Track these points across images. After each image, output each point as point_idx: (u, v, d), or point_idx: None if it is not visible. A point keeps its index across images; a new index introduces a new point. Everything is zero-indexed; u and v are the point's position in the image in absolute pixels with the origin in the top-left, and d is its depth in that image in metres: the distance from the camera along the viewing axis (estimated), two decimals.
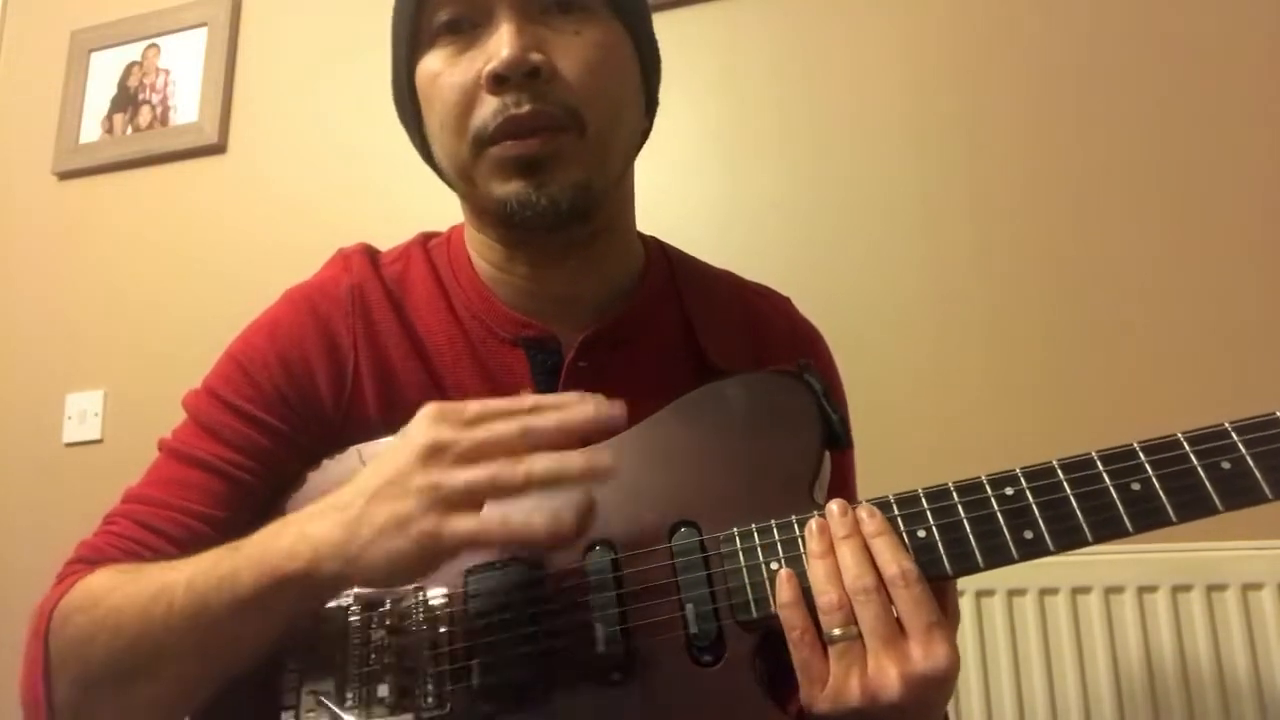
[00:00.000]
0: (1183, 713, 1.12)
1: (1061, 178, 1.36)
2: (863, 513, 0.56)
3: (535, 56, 0.62)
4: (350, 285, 0.72)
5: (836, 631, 0.53)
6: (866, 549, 0.54)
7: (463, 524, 0.50)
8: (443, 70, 0.65)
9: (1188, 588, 1.16)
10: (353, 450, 0.68)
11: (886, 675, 0.51)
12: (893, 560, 0.53)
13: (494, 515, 0.50)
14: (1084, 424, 1.26)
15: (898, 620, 0.52)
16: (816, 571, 0.55)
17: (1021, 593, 1.20)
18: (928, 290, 1.38)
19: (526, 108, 0.62)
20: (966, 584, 1.20)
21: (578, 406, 0.52)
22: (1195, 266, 1.28)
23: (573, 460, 0.51)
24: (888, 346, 1.36)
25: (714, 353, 0.73)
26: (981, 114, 1.41)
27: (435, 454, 0.51)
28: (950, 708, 0.60)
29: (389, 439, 0.66)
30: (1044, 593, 1.19)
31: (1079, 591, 1.18)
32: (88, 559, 0.64)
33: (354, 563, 0.52)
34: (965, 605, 1.20)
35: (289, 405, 0.69)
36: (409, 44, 0.68)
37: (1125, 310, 1.30)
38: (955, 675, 0.51)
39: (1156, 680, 1.14)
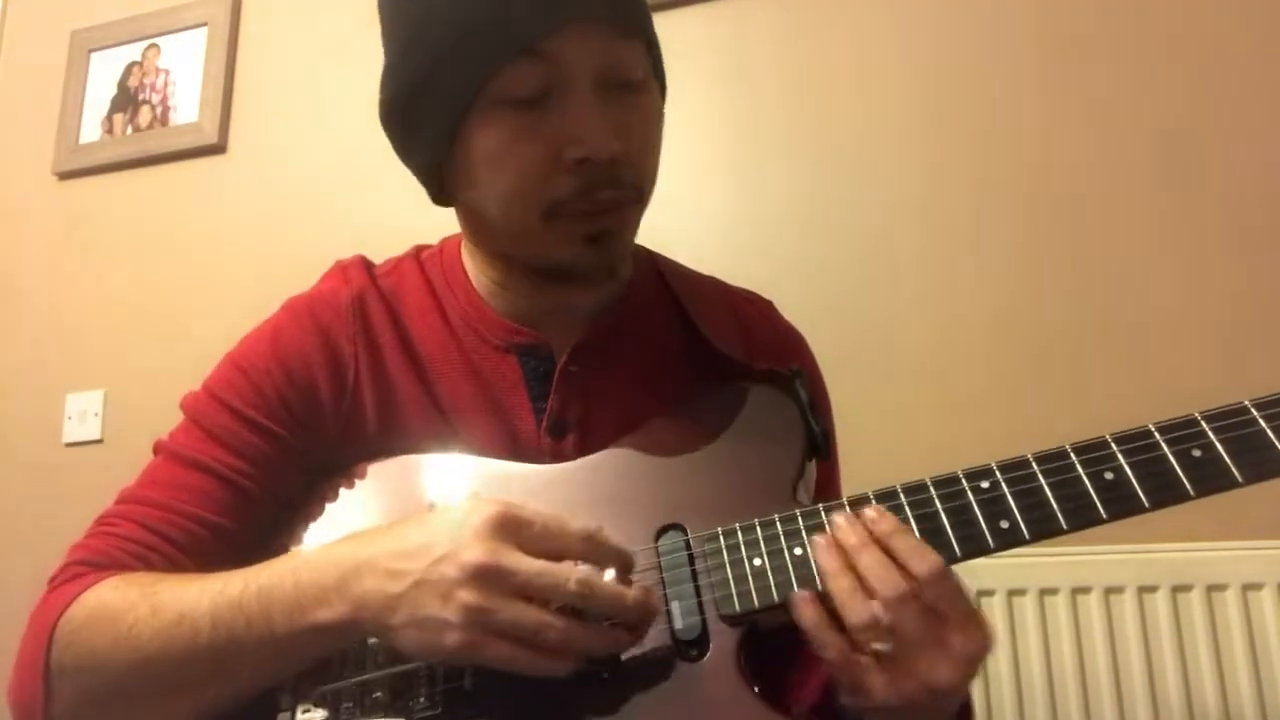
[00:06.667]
0: (1182, 713, 1.12)
1: (1067, 177, 1.35)
2: (871, 513, 0.56)
3: (617, 145, 0.63)
4: (351, 296, 0.72)
5: (880, 646, 0.52)
6: (886, 553, 0.54)
7: (497, 650, 0.51)
8: (514, 141, 0.63)
9: (1188, 588, 1.15)
10: (400, 460, 0.68)
11: (937, 671, 0.52)
12: (919, 558, 0.53)
13: (524, 656, 0.52)
14: (1087, 421, 1.25)
15: (934, 611, 0.53)
16: (840, 588, 0.54)
17: (1021, 593, 1.19)
18: (932, 289, 1.37)
19: (608, 194, 0.64)
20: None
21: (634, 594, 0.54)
22: (1195, 265, 1.28)
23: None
24: (890, 345, 1.36)
25: (717, 339, 0.73)
26: (987, 113, 1.41)
27: (491, 578, 0.51)
28: None
29: (443, 456, 0.67)
30: (1044, 593, 1.18)
31: (1079, 591, 1.18)
32: (90, 562, 0.63)
33: (387, 634, 0.54)
34: None
35: (290, 411, 0.68)
36: (465, 100, 0.63)
37: (1126, 309, 1.29)
38: (992, 645, 0.54)
39: (1156, 680, 1.13)
